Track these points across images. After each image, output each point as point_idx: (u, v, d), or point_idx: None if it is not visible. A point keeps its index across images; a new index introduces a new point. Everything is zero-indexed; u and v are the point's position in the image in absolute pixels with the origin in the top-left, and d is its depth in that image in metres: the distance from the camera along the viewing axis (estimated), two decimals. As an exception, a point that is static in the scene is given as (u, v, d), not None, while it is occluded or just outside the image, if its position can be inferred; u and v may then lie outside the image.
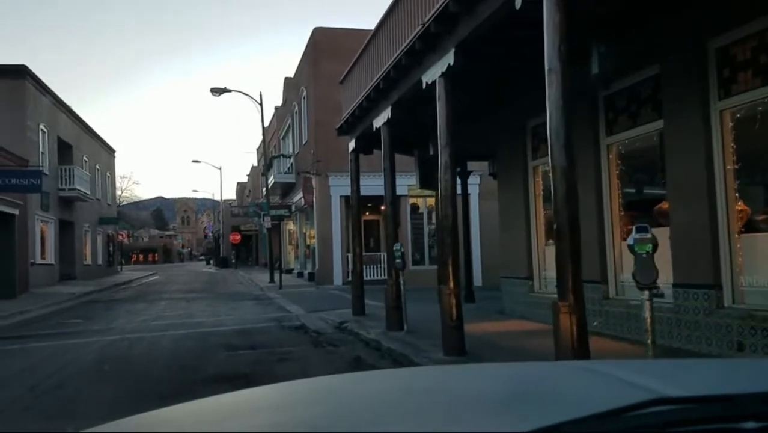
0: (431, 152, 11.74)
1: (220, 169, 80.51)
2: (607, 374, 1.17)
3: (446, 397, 1.11)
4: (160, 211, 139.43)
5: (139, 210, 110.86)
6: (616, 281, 8.41)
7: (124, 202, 69.20)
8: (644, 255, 4.09)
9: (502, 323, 10.04)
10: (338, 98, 14.19)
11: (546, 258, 10.28)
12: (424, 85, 7.82)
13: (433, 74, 7.50)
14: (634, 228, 4.21)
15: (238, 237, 51.02)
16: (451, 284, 7.35)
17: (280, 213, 26.11)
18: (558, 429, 0.74)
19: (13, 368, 8.28)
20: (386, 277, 10.35)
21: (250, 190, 56.82)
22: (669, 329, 7.29)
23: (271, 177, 28.66)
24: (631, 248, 4.15)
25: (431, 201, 22.22)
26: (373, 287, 14.58)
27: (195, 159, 71.56)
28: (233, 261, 51.21)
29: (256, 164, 49.96)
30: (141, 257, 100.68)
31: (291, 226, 31.93)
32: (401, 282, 9.66)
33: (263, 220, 27.96)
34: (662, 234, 7.51)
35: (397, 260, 9.67)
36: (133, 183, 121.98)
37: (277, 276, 23.80)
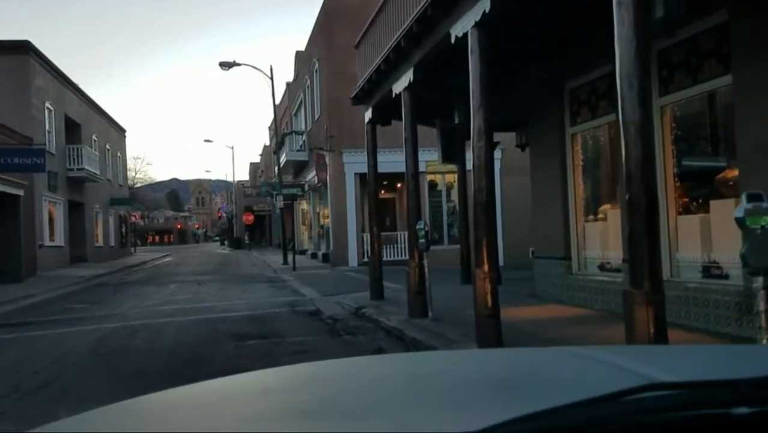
0: (456, 121, 10.76)
1: (232, 148, 79.50)
2: (601, 360, 1.17)
3: (441, 382, 1.11)
4: (175, 192, 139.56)
5: (154, 191, 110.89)
6: (671, 260, 7.45)
7: (139, 184, 68.96)
8: (759, 231, 3.15)
9: (537, 308, 9.13)
10: (352, 70, 13.19)
11: (586, 236, 9.34)
12: (453, 40, 6.81)
13: (464, 25, 6.49)
14: (744, 195, 3.26)
15: (251, 218, 50.54)
16: (486, 267, 6.45)
17: (293, 192, 25.27)
18: (551, 414, 0.72)
19: (2, 361, 7.57)
20: (403, 258, 9.47)
21: (262, 170, 56.11)
22: (738, 315, 6.38)
23: (283, 155, 27.77)
24: (740, 221, 3.20)
25: (450, 178, 21.31)
26: (390, 268, 13.81)
27: (207, 139, 70.76)
28: (247, 242, 50.63)
29: (268, 143, 49.10)
30: (156, 238, 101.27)
31: (304, 205, 31.09)
32: (425, 264, 8.78)
33: (276, 199, 27.14)
34: (726, 207, 6.58)
35: (421, 240, 8.77)
36: (147, 164, 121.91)
37: (290, 257, 23.03)
